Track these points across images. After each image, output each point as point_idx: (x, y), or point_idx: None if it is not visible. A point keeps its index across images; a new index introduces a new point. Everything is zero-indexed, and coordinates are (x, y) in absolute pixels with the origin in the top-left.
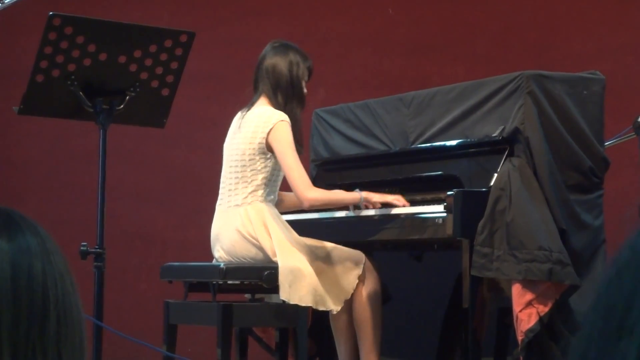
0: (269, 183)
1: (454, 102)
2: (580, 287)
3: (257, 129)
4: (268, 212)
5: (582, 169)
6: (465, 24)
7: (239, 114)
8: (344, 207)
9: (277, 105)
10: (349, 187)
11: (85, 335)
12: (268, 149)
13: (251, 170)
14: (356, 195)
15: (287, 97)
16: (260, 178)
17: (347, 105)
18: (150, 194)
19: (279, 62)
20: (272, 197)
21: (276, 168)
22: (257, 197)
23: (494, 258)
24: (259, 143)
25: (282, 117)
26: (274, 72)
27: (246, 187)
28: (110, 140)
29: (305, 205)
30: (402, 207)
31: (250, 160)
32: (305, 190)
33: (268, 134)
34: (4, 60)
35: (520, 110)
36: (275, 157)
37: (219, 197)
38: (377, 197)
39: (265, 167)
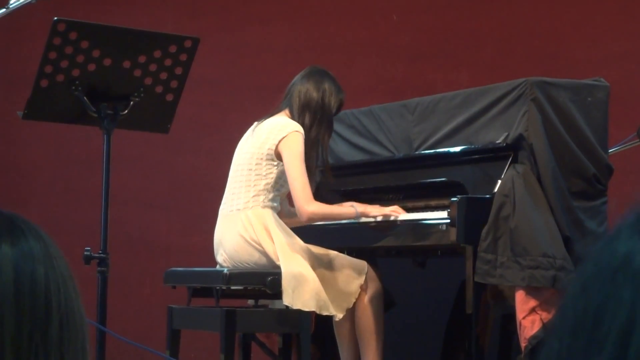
0: (271, 189)
1: (458, 108)
2: None
3: (270, 134)
4: (269, 217)
5: (586, 175)
6: (469, 31)
7: (255, 122)
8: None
9: (300, 123)
10: (352, 194)
11: (88, 339)
12: (277, 157)
13: (256, 174)
14: (351, 210)
15: (315, 119)
16: (263, 184)
17: (351, 112)
18: (154, 199)
19: (312, 88)
20: (274, 204)
21: (282, 177)
22: (258, 202)
23: (497, 264)
24: (269, 148)
25: (297, 127)
26: (305, 95)
27: (249, 191)
28: (114, 145)
29: (304, 218)
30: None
31: (256, 164)
32: (305, 204)
33: (280, 141)
34: (9, 65)
35: (524, 117)
36: (283, 166)
37: (223, 201)
38: (375, 211)
39: (270, 173)
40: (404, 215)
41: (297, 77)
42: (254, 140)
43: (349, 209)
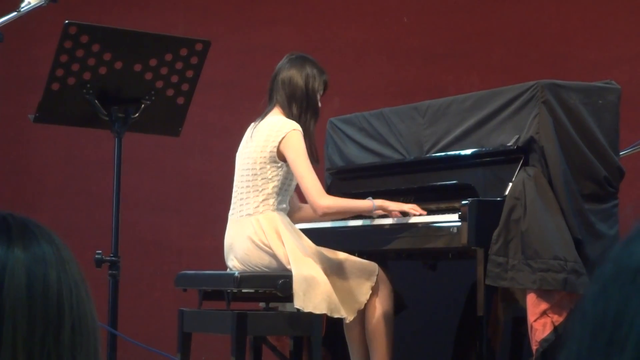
0: (280, 192)
1: (469, 111)
2: None
3: (269, 137)
4: (280, 221)
5: (597, 178)
6: (480, 33)
7: (252, 124)
8: (359, 216)
9: (290, 116)
10: (363, 196)
11: (100, 343)
12: (279, 158)
13: (262, 179)
14: (368, 203)
15: (302, 109)
16: (271, 187)
17: (362, 114)
18: (165, 202)
19: (295, 74)
20: (283, 205)
21: (287, 177)
22: (268, 206)
23: (508, 267)
24: (270, 152)
25: (295, 126)
26: (289, 84)
27: (257, 196)
28: (125, 148)
29: (319, 213)
30: (419, 216)
31: (261, 168)
32: (319, 198)
33: (280, 142)
34: (20, 68)
35: (535, 119)
36: (287, 166)
37: (231, 206)
38: (393, 206)
39: (277, 175)
40: (415, 218)
41: (278, 66)
42: (254, 144)
43: (365, 202)
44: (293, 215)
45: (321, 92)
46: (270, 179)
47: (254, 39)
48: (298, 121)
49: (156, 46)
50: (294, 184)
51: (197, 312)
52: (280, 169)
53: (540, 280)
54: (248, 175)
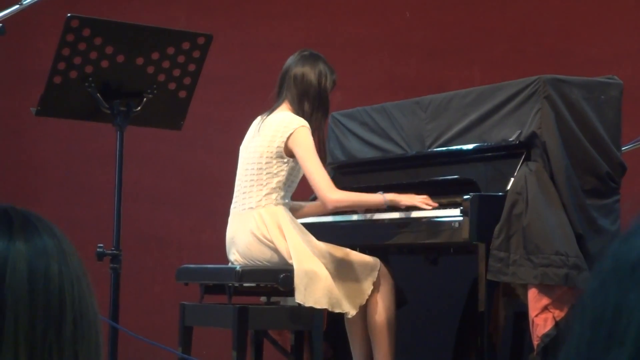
0: (283, 187)
1: (470, 106)
2: None
3: (277, 133)
4: (282, 215)
5: (599, 173)
6: (482, 28)
7: (258, 118)
8: (367, 210)
9: (301, 113)
10: (365, 190)
11: (102, 336)
12: (286, 154)
13: (267, 173)
14: (379, 198)
15: (314, 106)
16: (275, 181)
17: (363, 109)
18: (167, 196)
19: (308, 71)
20: (286, 200)
21: (292, 173)
22: (271, 200)
23: (510, 262)
24: (277, 147)
25: (302, 122)
26: (302, 81)
27: (261, 190)
28: (127, 142)
29: (330, 207)
30: (430, 209)
31: (267, 163)
32: (329, 192)
33: (288, 138)
34: (22, 61)
35: (537, 114)
36: (293, 162)
37: (234, 199)
38: (405, 200)
39: (281, 170)
40: (417, 212)
41: (289, 62)
42: (260, 138)
43: (376, 196)
44: (295, 213)
45: (329, 91)
46: (275, 173)
47: (256, 33)
48: (309, 118)
49: (158, 40)
50: (297, 180)
51: (199, 306)
52: (286, 164)
53: (541, 275)
54: (253, 169)
